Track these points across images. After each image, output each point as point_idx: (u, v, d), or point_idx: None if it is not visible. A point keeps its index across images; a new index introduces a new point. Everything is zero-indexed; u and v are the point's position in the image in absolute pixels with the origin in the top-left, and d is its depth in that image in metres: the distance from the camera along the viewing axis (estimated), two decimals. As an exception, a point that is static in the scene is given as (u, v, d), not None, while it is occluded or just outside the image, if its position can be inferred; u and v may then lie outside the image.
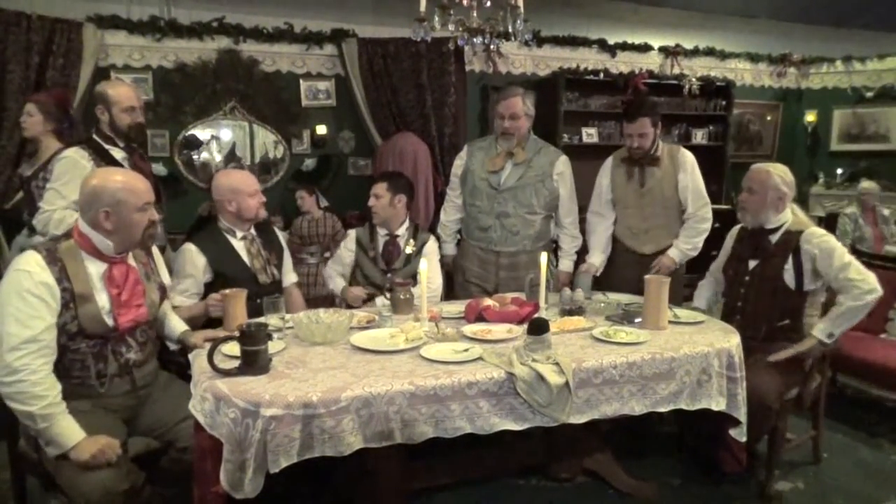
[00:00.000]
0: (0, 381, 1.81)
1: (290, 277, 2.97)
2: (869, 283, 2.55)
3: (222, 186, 2.66)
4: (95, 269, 1.99)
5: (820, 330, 2.58)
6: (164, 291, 2.26)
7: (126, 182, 2.01)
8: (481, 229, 3.26)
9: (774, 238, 2.70)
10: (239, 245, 2.69)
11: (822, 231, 2.65)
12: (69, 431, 1.84)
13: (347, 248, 3.21)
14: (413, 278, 2.99)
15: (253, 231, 2.77)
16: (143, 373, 2.14)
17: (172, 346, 2.36)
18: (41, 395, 1.81)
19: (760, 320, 2.68)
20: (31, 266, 1.87)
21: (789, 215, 2.71)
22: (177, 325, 2.35)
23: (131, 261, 2.11)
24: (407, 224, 3.17)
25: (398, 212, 3.10)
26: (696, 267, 3.29)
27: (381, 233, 3.16)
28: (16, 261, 1.92)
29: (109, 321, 1.98)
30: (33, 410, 1.80)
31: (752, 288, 2.74)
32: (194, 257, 2.58)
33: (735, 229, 2.93)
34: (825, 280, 2.63)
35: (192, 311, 2.51)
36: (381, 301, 2.86)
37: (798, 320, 2.69)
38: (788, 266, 2.64)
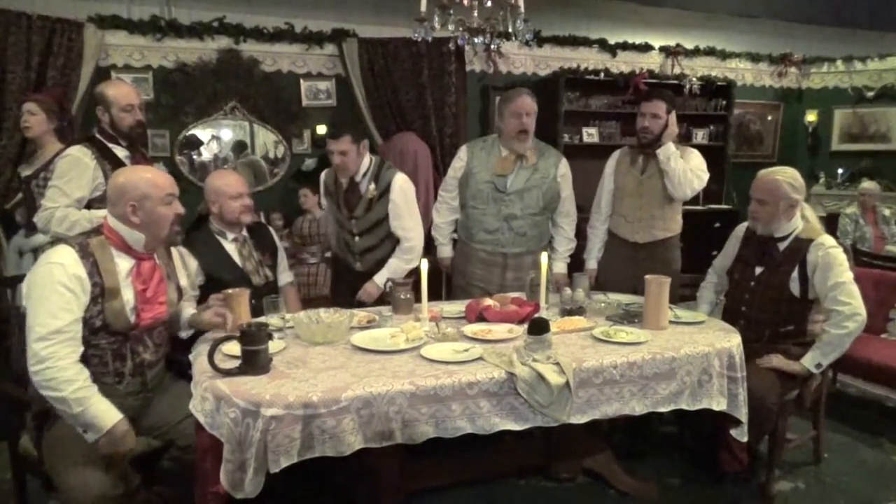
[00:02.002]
0: (30, 369, 1.85)
1: (285, 277, 2.96)
2: (853, 308, 2.50)
3: (208, 187, 2.70)
4: (124, 264, 2.04)
5: (809, 359, 2.56)
6: (181, 293, 2.29)
7: (149, 177, 2.08)
8: (487, 232, 3.22)
9: (783, 246, 2.66)
10: (230, 247, 2.69)
11: (831, 242, 2.59)
12: (105, 413, 1.87)
13: (322, 195, 3.23)
14: (377, 225, 3.02)
15: (245, 233, 2.76)
16: (153, 373, 2.16)
17: (183, 334, 2.36)
18: (71, 378, 1.84)
19: (764, 326, 2.66)
20: (64, 259, 1.92)
21: (799, 222, 2.66)
22: (186, 311, 2.35)
23: (157, 259, 2.16)
24: (367, 164, 3.00)
25: (363, 157, 2.97)
26: (696, 267, 3.29)
27: (343, 179, 3.05)
28: (48, 254, 1.97)
29: (132, 318, 2.02)
30: (65, 395, 1.82)
31: (757, 295, 2.71)
32: (186, 260, 2.56)
33: (741, 230, 2.89)
34: (819, 296, 2.60)
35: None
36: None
37: (802, 325, 2.68)
38: (795, 275, 2.61)
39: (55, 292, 1.87)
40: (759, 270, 2.72)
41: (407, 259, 3.06)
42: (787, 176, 2.62)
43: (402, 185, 3.03)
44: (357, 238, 3.09)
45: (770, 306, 2.68)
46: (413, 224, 3.08)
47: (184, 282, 2.33)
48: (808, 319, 2.68)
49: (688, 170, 3.16)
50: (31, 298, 1.90)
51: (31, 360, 1.84)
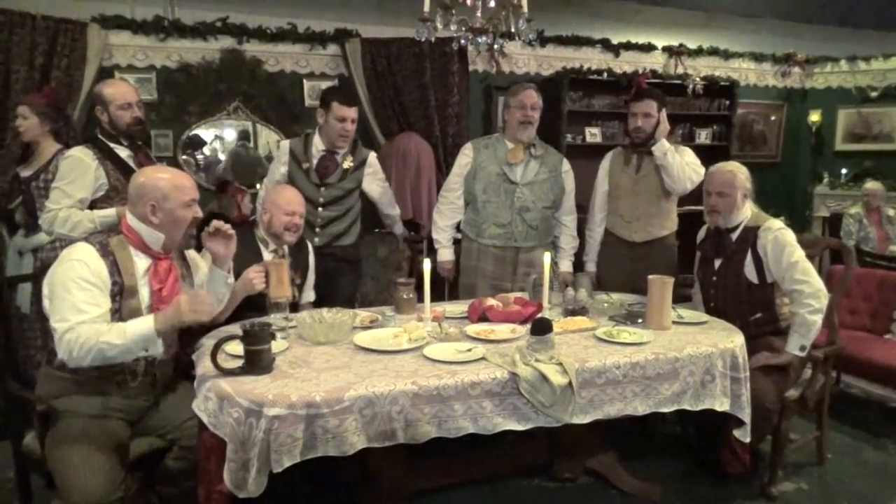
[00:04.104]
0: (64, 357, 1.87)
1: (307, 296, 2.95)
2: (812, 285, 2.53)
3: (265, 197, 2.77)
4: (141, 263, 2.06)
5: (792, 345, 2.58)
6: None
7: (172, 179, 2.10)
8: (499, 225, 3.25)
9: (734, 236, 2.73)
10: (267, 257, 2.69)
11: (778, 225, 2.65)
12: (141, 324, 1.90)
13: (280, 163, 3.22)
14: (345, 195, 3.19)
15: (286, 248, 2.77)
16: (163, 373, 2.18)
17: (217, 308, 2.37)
18: (93, 332, 1.85)
19: (733, 318, 2.66)
20: (85, 256, 1.94)
21: (748, 212, 2.73)
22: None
23: (172, 258, 2.17)
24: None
25: None
26: (691, 267, 3.28)
27: (319, 147, 3.17)
28: (69, 251, 1.97)
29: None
30: (103, 340, 1.85)
31: (720, 287, 2.78)
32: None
33: (701, 231, 2.96)
34: (777, 280, 2.63)
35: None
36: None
37: (770, 311, 2.71)
38: (748, 261, 2.67)
39: (79, 288, 1.89)
40: (717, 264, 2.79)
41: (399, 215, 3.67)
42: (738, 168, 2.75)
43: (376, 160, 3.36)
44: (321, 209, 3.17)
45: (732, 297, 2.73)
46: (392, 193, 3.57)
47: (199, 279, 2.34)
48: (775, 303, 2.71)
49: (685, 164, 3.19)
50: (53, 296, 1.90)
51: (62, 350, 1.86)
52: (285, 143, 3.27)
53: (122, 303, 1.98)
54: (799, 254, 2.58)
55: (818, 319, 2.55)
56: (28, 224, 3.26)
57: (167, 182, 2.06)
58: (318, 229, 3.17)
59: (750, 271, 2.68)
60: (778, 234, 2.61)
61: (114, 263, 1.97)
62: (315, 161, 3.16)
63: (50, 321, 1.91)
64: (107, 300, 1.94)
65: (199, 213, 2.16)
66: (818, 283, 2.55)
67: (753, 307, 2.71)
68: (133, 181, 2.09)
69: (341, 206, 3.22)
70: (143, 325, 1.91)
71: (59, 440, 1.94)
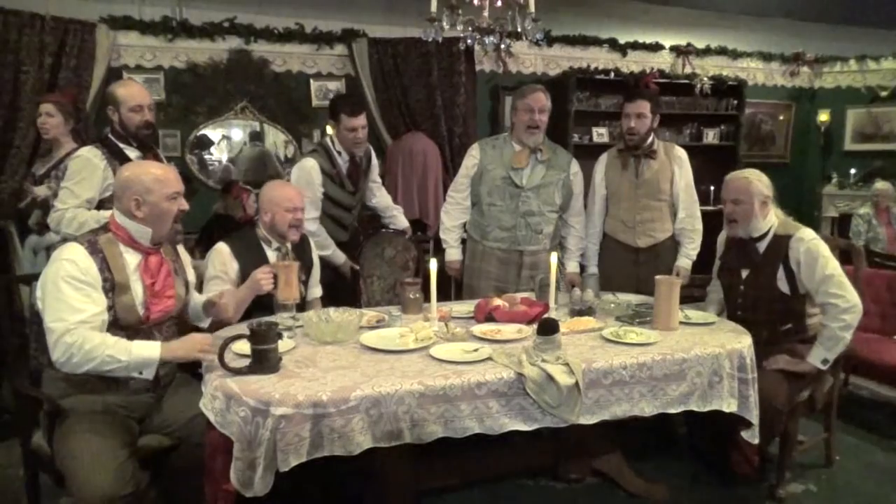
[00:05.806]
0: (59, 360, 1.89)
1: (314, 292, 2.95)
2: (847, 300, 2.46)
3: (264, 196, 2.72)
4: (132, 259, 2.07)
5: (815, 356, 2.52)
6: (188, 287, 2.31)
7: (155, 172, 2.11)
8: (504, 229, 3.23)
9: (762, 246, 2.64)
10: (272, 256, 2.68)
11: (811, 235, 2.56)
12: (147, 348, 1.96)
13: (317, 184, 3.24)
14: (363, 193, 3.53)
15: (289, 245, 2.76)
16: (165, 371, 2.17)
17: (204, 324, 2.39)
18: (101, 342, 1.90)
19: (760, 327, 2.60)
20: (75, 255, 1.95)
21: (774, 219, 2.65)
22: (198, 299, 2.38)
23: (164, 254, 2.18)
24: None
25: None
26: (704, 267, 3.27)
27: (345, 157, 3.35)
28: (59, 251, 2.00)
29: (141, 311, 2.05)
30: (108, 354, 1.88)
31: (748, 297, 2.70)
32: (226, 260, 2.58)
33: (723, 236, 2.88)
34: (809, 292, 2.57)
35: (238, 294, 2.45)
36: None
37: (801, 321, 2.65)
38: (780, 273, 2.59)
39: (72, 287, 1.91)
40: (745, 274, 2.70)
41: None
42: (755, 175, 2.66)
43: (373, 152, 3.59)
44: (353, 211, 3.46)
45: (762, 307, 2.66)
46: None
47: (192, 277, 2.34)
48: (805, 315, 2.65)
49: (697, 216, 3.27)
50: (46, 296, 1.92)
51: (59, 352, 1.88)
52: (314, 165, 3.25)
53: (114, 299, 1.99)
54: (833, 265, 2.49)
55: (848, 336, 2.48)
56: (42, 222, 3.28)
57: (150, 176, 2.07)
58: (348, 228, 3.48)
59: (782, 283, 2.58)
60: (811, 244, 2.52)
61: (103, 260, 1.99)
62: (344, 170, 3.36)
63: (44, 320, 1.92)
64: (101, 297, 1.96)
65: (185, 206, 2.16)
66: (854, 297, 2.47)
67: (784, 318, 2.64)
68: (117, 177, 2.12)
69: (360, 203, 3.59)
70: (150, 350, 1.96)
71: (66, 436, 1.95)
